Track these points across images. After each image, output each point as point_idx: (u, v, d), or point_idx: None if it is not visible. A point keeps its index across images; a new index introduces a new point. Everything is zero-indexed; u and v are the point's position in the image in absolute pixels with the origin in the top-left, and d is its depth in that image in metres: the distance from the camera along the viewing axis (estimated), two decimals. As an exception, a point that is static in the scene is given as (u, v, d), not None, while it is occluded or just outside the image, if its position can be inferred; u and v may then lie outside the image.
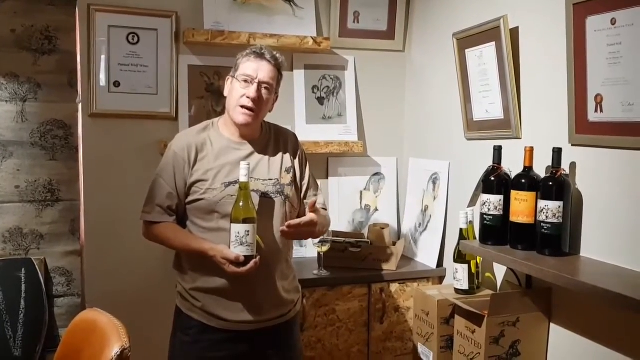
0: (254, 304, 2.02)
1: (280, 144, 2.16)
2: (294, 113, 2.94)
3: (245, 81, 2.00)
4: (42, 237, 2.89)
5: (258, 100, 2.00)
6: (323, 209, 2.24)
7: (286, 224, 1.99)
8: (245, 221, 1.88)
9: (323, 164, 3.00)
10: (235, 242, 1.88)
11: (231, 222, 1.90)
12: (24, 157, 2.83)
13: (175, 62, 2.71)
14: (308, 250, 2.90)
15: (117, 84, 2.64)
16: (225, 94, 2.10)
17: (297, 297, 2.18)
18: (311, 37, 2.83)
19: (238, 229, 1.88)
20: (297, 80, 2.95)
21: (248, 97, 1.98)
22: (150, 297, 2.62)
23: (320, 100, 2.99)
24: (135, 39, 2.66)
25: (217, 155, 2.04)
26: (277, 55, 2.06)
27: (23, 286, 2.79)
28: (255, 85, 1.99)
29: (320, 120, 2.98)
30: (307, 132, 2.90)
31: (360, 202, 3.08)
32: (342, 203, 3.03)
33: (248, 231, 1.88)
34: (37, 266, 2.81)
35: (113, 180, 2.66)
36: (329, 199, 2.98)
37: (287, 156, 2.16)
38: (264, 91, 2.02)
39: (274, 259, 2.05)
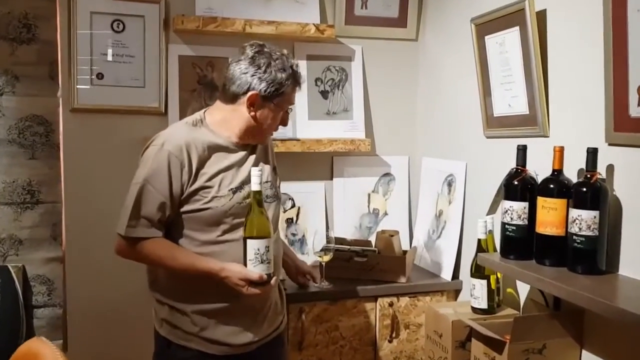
0: (255, 322, 1.90)
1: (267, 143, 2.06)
2: (295, 108, 2.73)
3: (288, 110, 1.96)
4: (20, 242, 2.77)
5: None
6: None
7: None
8: (263, 236, 1.75)
9: (327, 163, 2.88)
10: (255, 260, 1.74)
11: (247, 238, 1.74)
12: (1, 155, 2.71)
13: (164, 51, 2.60)
14: (308, 259, 2.72)
15: (100, 76, 2.53)
16: (260, 117, 1.86)
17: (284, 306, 2.10)
18: (314, 25, 2.70)
19: (257, 246, 1.74)
20: (299, 72, 2.79)
21: (283, 125, 1.98)
22: (137, 307, 2.45)
23: (324, 94, 2.86)
24: (121, 26, 2.55)
25: (218, 158, 1.85)
26: None
27: (-3, 296, 2.63)
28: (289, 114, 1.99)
29: (324, 116, 2.85)
30: (310, 129, 2.78)
31: (368, 206, 2.94)
32: (347, 207, 2.89)
33: (268, 247, 1.75)
34: (14, 274, 2.69)
35: (97, 181, 2.54)
36: (334, 202, 2.88)
37: (271, 155, 2.05)
38: None
39: (275, 269, 1.90)
